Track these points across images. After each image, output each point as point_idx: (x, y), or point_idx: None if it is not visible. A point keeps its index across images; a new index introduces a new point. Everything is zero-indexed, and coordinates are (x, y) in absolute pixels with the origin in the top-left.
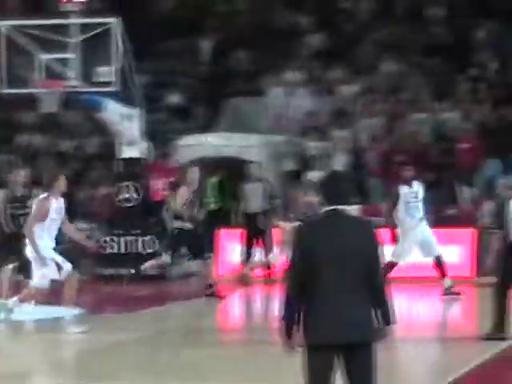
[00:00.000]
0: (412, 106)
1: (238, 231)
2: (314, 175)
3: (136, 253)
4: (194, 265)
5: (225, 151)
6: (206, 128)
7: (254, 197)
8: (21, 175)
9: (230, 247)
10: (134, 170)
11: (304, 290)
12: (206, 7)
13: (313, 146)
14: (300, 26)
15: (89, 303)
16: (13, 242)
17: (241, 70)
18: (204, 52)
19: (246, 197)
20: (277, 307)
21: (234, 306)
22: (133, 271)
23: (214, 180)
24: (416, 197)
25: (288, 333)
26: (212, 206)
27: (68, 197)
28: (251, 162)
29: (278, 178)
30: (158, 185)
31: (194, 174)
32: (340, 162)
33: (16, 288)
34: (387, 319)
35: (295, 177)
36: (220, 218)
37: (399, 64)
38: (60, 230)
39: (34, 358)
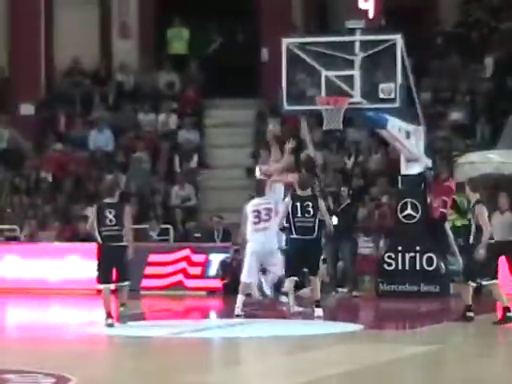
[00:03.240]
0: None
1: None
2: None
3: (417, 270)
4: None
5: (506, 169)
6: (488, 145)
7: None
8: None
9: None
10: (416, 186)
11: None
12: (488, 24)
13: None
14: None
15: (370, 319)
16: None
17: None
18: (487, 68)
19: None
20: None
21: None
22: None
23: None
24: None
25: None
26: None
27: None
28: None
29: None
30: (439, 202)
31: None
32: None
33: None
34: None
35: None
36: None
37: None
38: None
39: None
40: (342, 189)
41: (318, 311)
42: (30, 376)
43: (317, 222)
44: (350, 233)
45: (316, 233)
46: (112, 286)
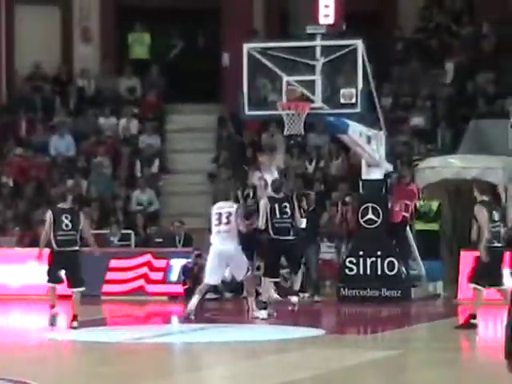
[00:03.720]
0: None
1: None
2: None
3: (378, 274)
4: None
5: (467, 173)
6: (448, 150)
7: None
8: None
9: None
10: (377, 191)
11: None
12: (448, 30)
13: None
14: None
15: (331, 324)
16: None
17: (484, 91)
18: (447, 74)
19: None
20: None
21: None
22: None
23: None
24: None
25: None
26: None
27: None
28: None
29: None
30: (401, 206)
31: None
32: None
33: None
34: None
35: None
36: None
37: None
38: None
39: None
40: (311, 192)
41: (294, 299)
42: None
43: (293, 222)
44: (315, 237)
45: (293, 232)
46: (57, 286)
